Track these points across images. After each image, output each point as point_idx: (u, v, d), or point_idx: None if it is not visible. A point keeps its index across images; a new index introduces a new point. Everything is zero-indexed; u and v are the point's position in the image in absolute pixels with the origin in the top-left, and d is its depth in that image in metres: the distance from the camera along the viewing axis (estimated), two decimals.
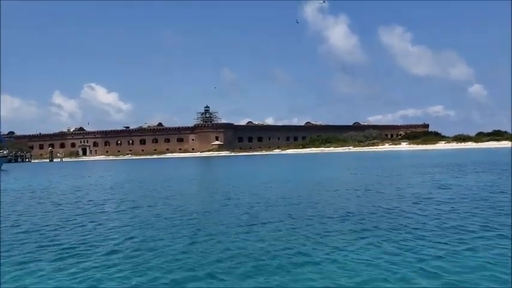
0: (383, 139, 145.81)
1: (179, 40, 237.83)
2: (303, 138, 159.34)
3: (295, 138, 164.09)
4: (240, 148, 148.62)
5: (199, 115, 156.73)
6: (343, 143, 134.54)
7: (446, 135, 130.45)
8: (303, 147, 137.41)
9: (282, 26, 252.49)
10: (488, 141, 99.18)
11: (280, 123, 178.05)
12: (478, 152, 66.11)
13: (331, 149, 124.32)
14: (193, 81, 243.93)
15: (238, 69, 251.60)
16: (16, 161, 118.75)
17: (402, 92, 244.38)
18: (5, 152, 70.53)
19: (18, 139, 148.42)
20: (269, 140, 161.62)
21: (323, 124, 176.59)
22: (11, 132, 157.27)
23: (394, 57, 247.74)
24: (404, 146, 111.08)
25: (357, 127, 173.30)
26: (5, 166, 68.78)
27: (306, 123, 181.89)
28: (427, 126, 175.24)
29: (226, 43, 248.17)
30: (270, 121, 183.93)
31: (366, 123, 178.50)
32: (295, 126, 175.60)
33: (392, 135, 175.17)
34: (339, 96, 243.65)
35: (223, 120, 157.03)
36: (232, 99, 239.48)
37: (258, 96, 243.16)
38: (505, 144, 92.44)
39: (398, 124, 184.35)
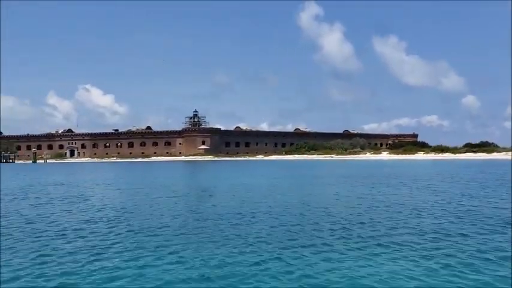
0: (371, 148, 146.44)
1: (175, 43, 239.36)
2: (291, 144, 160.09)
3: (283, 145, 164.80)
4: (227, 153, 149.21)
5: (187, 119, 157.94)
6: (329, 150, 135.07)
7: (437, 145, 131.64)
8: (286, 153, 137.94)
9: (277, 31, 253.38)
10: (464, 152, 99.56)
11: (274, 129, 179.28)
12: (444, 163, 66.42)
13: (314, 157, 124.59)
14: (189, 85, 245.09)
15: (233, 74, 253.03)
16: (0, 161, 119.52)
17: (397, 101, 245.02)
18: None
19: (7, 139, 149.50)
20: (256, 145, 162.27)
21: (312, 131, 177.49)
22: None
23: (389, 66, 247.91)
24: (384, 156, 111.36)
25: (346, 135, 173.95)
26: None
27: (295, 129, 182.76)
28: (416, 136, 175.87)
29: (221, 48, 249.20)
30: (264, 126, 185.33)
31: (355, 132, 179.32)
32: (284, 132, 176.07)
33: (381, 144, 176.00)
34: (333, 104, 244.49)
35: (217, 124, 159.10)
36: (227, 104, 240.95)
37: (253, 102, 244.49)
38: (480, 156, 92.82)
39: (388, 133, 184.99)
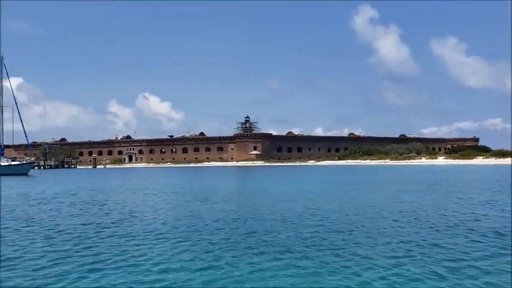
0: (428, 153, 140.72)
1: (230, 50, 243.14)
2: (346, 149, 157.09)
3: (337, 150, 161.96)
4: (279, 158, 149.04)
5: (239, 125, 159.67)
6: (384, 155, 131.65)
7: (499, 149, 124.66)
8: (339, 159, 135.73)
9: (331, 36, 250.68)
10: None
11: (329, 134, 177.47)
12: (504, 168, 62.65)
13: (367, 162, 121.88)
14: (244, 91, 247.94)
15: (287, 80, 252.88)
16: (63, 166, 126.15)
17: (457, 104, 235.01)
18: (32, 159, 76.26)
19: (70, 146, 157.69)
20: (309, 150, 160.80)
21: (366, 135, 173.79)
22: (63, 139, 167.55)
23: (448, 68, 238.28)
24: (440, 161, 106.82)
25: (402, 139, 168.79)
26: (35, 172, 73.91)
27: (349, 134, 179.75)
28: (477, 140, 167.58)
29: (275, 53, 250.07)
30: (319, 131, 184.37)
31: (412, 136, 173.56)
32: (337, 137, 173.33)
33: (440, 149, 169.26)
34: (390, 107, 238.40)
35: (271, 130, 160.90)
36: (281, 109, 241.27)
37: (307, 107, 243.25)
38: None
39: (447, 137, 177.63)
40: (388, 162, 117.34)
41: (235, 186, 34.16)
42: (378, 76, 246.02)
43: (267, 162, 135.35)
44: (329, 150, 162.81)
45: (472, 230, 10.79)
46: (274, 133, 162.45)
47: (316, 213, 14.62)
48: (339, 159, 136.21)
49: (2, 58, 67.48)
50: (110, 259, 8.36)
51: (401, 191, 23.90)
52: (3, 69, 67.06)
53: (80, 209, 17.13)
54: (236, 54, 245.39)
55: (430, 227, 11.34)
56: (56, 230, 11.85)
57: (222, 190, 28.20)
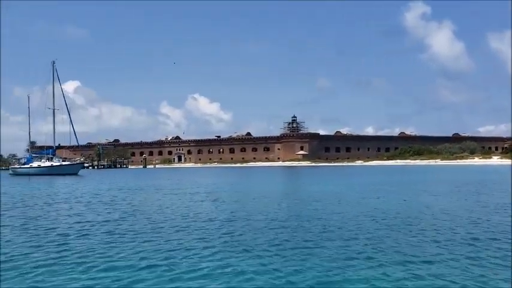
0: (483, 152, 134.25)
1: (277, 51, 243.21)
2: (396, 149, 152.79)
3: (387, 149, 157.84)
4: (327, 158, 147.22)
5: (286, 125, 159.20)
6: (435, 155, 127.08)
7: None
8: (388, 159, 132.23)
9: (381, 34, 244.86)
10: None
11: (381, 133, 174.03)
12: None
13: (417, 162, 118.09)
14: (293, 91, 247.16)
15: (337, 79, 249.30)
16: (115, 166, 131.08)
17: None
18: (82, 159, 79.82)
19: (122, 146, 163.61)
20: (358, 150, 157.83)
21: (418, 135, 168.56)
22: (116, 140, 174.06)
23: (507, 63, 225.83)
24: (494, 160, 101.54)
25: (455, 138, 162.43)
26: (85, 172, 77.16)
27: (399, 133, 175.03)
28: None
29: (324, 53, 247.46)
30: (369, 131, 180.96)
31: (466, 135, 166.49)
32: (387, 136, 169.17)
33: (496, 148, 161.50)
34: (444, 106, 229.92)
35: (319, 130, 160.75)
36: (331, 109, 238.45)
37: (358, 106, 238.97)
38: None
39: (505, 136, 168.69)
40: (439, 162, 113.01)
41: (254, 186, 34.00)
42: (430, 73, 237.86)
43: (314, 162, 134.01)
44: (379, 150, 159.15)
45: (455, 234, 10.16)
46: (323, 133, 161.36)
47: (319, 216, 14.32)
48: (388, 159, 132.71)
49: (53, 63, 70.72)
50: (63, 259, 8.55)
51: (426, 192, 22.97)
52: (55, 73, 70.33)
53: (89, 209, 17.68)
54: (285, 54, 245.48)
55: (423, 228, 10.78)
56: (47, 228, 12.28)
57: (238, 191, 28.18)
